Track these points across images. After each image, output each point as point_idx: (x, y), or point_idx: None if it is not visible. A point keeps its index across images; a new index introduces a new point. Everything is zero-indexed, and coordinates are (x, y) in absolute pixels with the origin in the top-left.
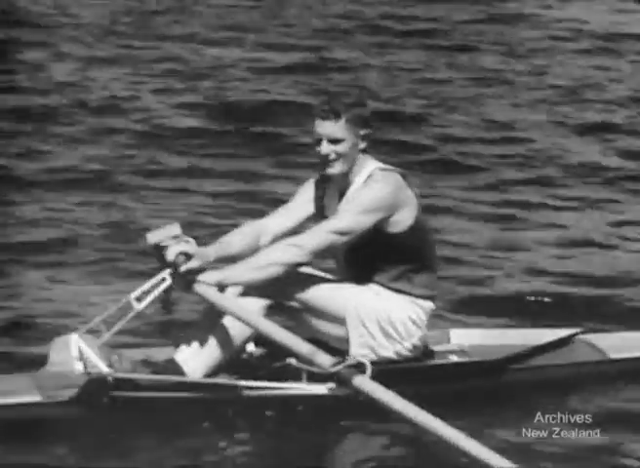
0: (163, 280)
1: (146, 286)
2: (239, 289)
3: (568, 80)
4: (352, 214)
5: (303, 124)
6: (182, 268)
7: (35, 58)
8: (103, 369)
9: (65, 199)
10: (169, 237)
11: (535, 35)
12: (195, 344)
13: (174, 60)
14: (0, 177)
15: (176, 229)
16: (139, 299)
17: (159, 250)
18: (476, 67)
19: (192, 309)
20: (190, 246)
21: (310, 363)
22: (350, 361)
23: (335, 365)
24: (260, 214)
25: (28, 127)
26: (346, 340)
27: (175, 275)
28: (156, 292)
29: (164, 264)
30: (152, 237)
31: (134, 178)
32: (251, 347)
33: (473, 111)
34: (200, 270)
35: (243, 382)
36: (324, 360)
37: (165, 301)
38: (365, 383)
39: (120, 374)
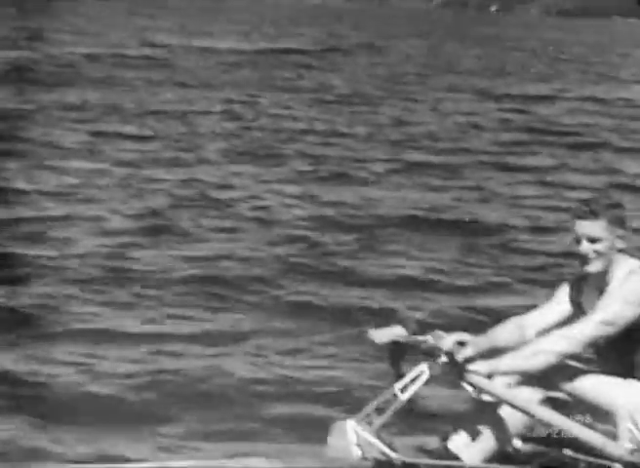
0: (421, 372)
1: (408, 378)
2: (507, 379)
3: None
4: (618, 306)
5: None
6: (459, 357)
7: (177, 156)
8: (391, 453)
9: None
10: (401, 335)
11: None
12: (467, 434)
13: (309, 157)
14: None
15: (401, 331)
16: (402, 390)
17: (394, 347)
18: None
19: (444, 401)
20: (464, 335)
21: (593, 450)
22: None
23: (631, 452)
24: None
25: (162, 222)
26: (612, 434)
27: (449, 363)
28: (418, 385)
29: (395, 362)
30: (382, 336)
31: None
32: (517, 442)
33: None
34: (473, 359)
35: None
36: (617, 448)
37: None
38: None
39: (409, 459)
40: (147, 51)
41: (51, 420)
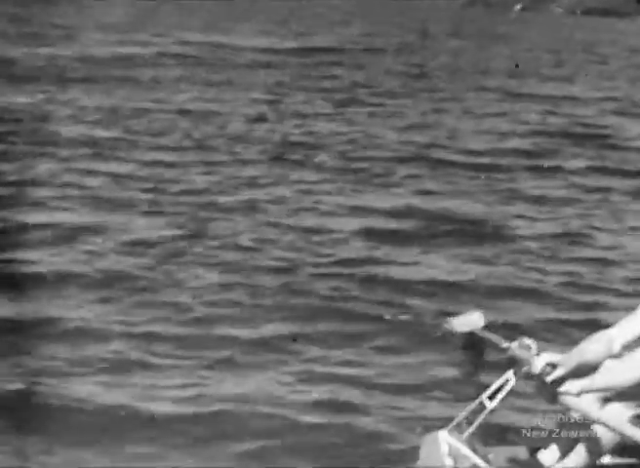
0: (507, 380)
1: (495, 386)
2: (597, 395)
3: None
4: None
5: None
6: (549, 379)
7: (205, 157)
8: (482, 464)
9: None
10: (478, 327)
11: None
12: (559, 448)
13: (339, 158)
14: None
15: (480, 319)
16: (490, 398)
17: (470, 338)
18: None
19: (532, 413)
20: (554, 356)
21: None
22: None
23: None
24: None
25: (193, 227)
26: None
27: (540, 386)
28: (504, 392)
29: (472, 355)
30: (460, 325)
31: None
32: (608, 457)
33: None
34: (564, 379)
35: None
36: None
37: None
38: None
39: None
40: (176, 49)
41: (81, 438)
